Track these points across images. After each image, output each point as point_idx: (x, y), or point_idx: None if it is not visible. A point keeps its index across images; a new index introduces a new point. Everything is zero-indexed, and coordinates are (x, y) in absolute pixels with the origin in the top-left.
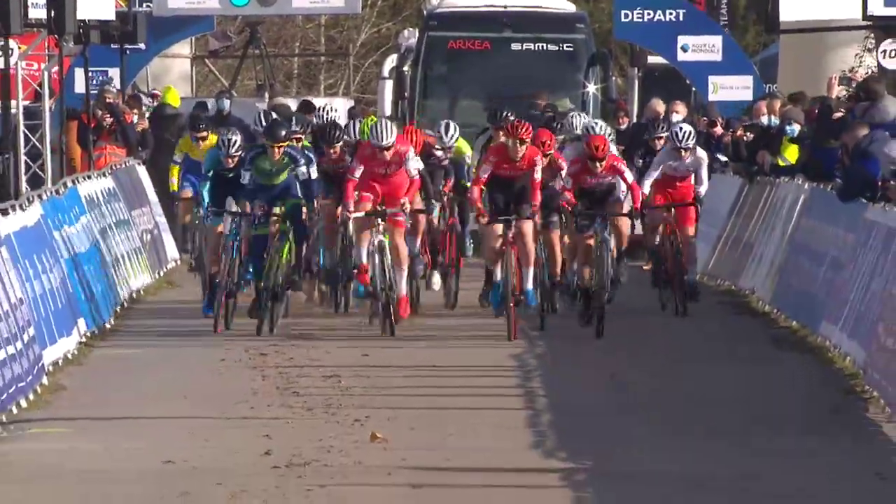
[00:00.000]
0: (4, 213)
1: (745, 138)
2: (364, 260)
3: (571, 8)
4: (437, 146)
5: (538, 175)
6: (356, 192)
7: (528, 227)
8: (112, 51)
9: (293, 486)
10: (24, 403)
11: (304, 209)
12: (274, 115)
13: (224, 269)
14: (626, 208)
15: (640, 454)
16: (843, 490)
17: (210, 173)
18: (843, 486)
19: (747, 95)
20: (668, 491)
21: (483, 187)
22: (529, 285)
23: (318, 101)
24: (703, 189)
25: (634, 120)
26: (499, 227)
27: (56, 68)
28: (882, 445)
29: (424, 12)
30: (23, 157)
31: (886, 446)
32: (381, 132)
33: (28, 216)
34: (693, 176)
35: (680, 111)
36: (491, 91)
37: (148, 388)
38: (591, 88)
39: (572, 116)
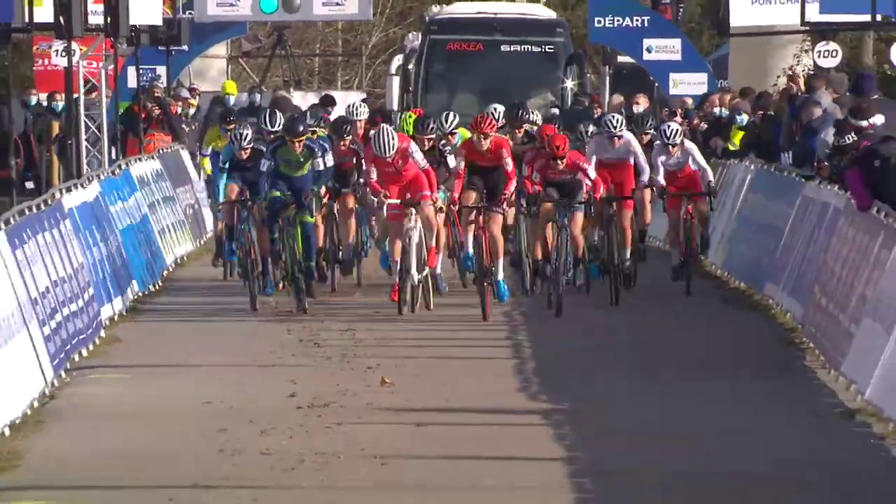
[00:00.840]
0: (68, 190)
1: (700, 127)
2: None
3: (552, 15)
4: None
5: (509, 166)
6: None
7: (496, 219)
8: (159, 52)
9: (314, 424)
10: (84, 353)
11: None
12: (276, 111)
13: (248, 259)
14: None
15: (610, 396)
16: (784, 426)
17: (227, 165)
18: (783, 423)
19: (702, 90)
20: (632, 427)
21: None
22: (500, 276)
23: (336, 94)
24: (709, 176)
25: (606, 110)
26: (472, 196)
27: (112, 66)
28: (817, 388)
29: (426, 19)
30: (84, 143)
31: (821, 389)
32: (384, 144)
33: (88, 193)
34: (691, 164)
35: (641, 102)
36: (483, 86)
37: (190, 340)
38: (569, 84)
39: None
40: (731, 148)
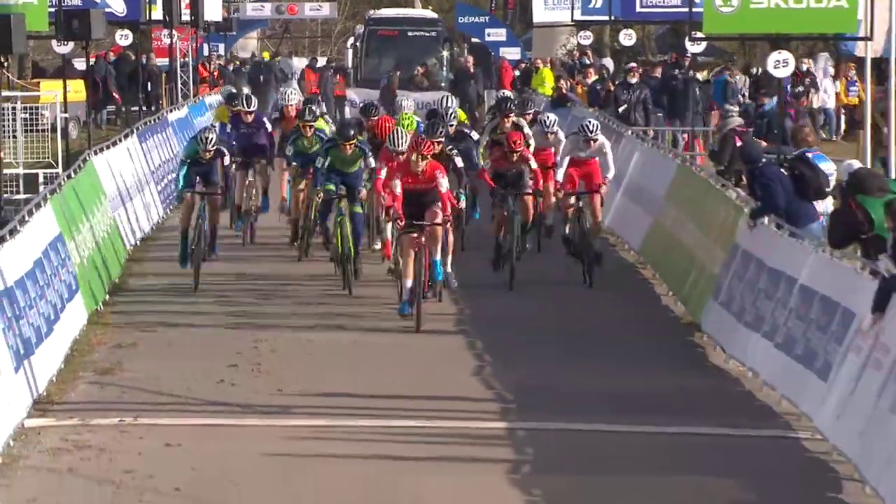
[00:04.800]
0: (171, 111)
1: (517, 75)
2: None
3: (434, 15)
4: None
5: (443, 188)
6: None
7: (436, 231)
8: (220, 35)
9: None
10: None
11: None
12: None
13: (198, 239)
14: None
15: (495, 299)
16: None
17: (188, 160)
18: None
19: (517, 57)
20: (518, 315)
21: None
22: (437, 256)
23: (318, 59)
24: (610, 173)
25: (467, 63)
26: (411, 238)
27: (194, 45)
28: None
29: (367, 17)
30: (180, 88)
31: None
32: (397, 140)
33: (182, 112)
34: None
35: (469, 61)
36: (397, 55)
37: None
38: (445, 54)
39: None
40: (542, 90)
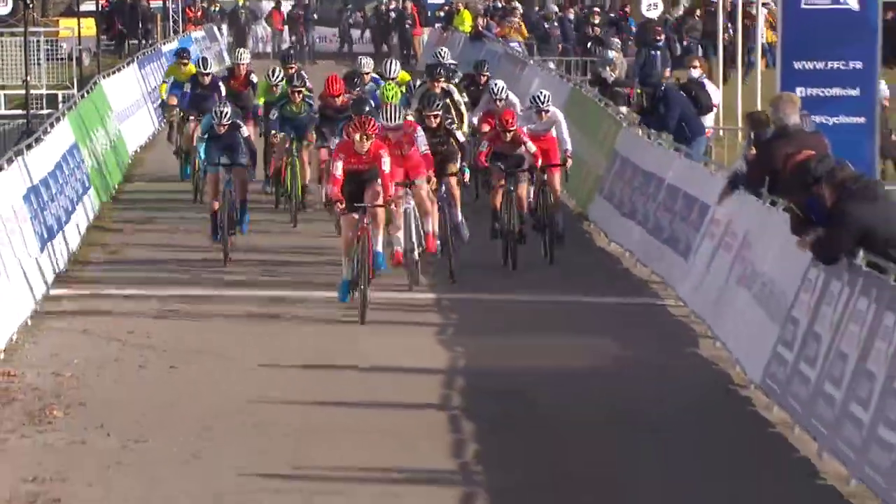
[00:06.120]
0: (164, 43)
1: (442, 15)
2: None
3: None
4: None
5: (386, 167)
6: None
7: (378, 211)
8: None
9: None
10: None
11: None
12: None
13: (223, 214)
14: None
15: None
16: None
17: (206, 136)
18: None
19: (441, 0)
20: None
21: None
22: (379, 247)
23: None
24: (567, 145)
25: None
26: (353, 218)
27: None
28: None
29: None
30: (171, 25)
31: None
32: (391, 115)
33: (173, 44)
34: (553, 132)
35: (408, 7)
36: (345, 1)
37: None
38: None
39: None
40: (462, 28)
